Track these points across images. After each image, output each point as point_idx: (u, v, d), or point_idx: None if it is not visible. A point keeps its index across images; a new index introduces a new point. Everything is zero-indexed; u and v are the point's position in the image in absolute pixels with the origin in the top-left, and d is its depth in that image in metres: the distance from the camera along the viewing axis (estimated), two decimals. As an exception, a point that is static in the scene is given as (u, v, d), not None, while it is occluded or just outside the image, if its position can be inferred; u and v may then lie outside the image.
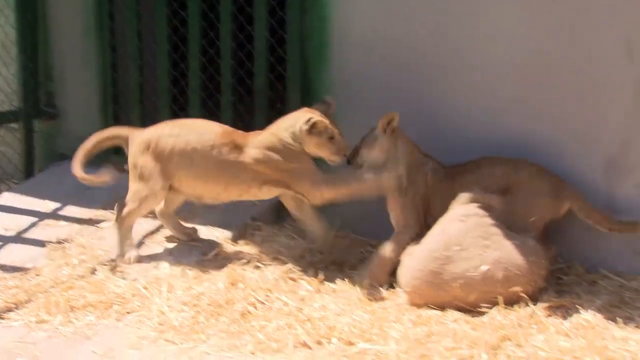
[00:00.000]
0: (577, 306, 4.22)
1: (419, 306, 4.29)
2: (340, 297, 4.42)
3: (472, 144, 4.86)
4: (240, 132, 4.87)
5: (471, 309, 4.19)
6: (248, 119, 5.88)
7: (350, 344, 3.99)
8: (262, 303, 4.34)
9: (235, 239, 5.11)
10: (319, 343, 4.03)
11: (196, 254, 4.97)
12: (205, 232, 5.18)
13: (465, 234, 4.28)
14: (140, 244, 5.09)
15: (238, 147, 4.74)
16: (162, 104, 5.96)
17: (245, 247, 5.05)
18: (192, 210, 5.27)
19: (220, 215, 5.27)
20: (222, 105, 5.78)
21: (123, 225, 4.85)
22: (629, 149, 4.58)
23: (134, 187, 4.84)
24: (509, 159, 4.60)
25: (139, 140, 4.86)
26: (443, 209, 4.46)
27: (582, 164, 4.66)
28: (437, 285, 4.24)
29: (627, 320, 4.14)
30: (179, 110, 6.09)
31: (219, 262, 4.83)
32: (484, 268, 4.20)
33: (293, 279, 4.57)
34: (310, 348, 4.00)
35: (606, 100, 4.59)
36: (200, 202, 4.96)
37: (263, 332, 4.13)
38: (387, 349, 3.91)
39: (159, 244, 5.11)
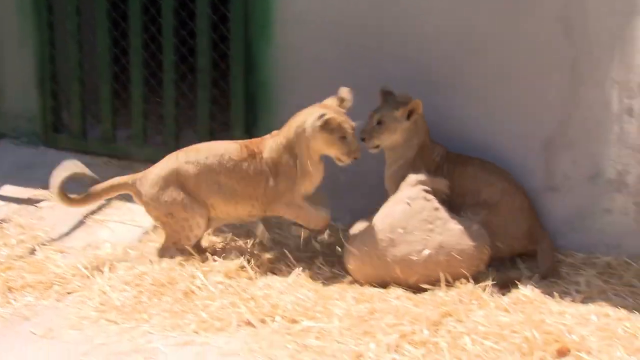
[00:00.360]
0: (517, 282, 4.30)
1: (362, 284, 4.33)
2: (284, 277, 4.43)
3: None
4: (255, 139, 4.67)
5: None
6: (191, 97, 5.83)
7: (294, 321, 4.01)
8: (205, 284, 4.32)
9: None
10: (263, 321, 4.03)
11: (137, 233, 4.91)
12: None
13: (411, 217, 4.32)
14: (81, 223, 5.02)
15: (255, 156, 4.56)
16: (102, 81, 5.86)
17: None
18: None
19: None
20: (165, 83, 5.71)
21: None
22: (567, 127, 4.67)
23: (171, 229, 4.55)
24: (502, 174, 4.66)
25: (151, 182, 4.55)
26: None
27: (521, 143, 4.74)
28: (379, 267, 4.28)
29: (564, 294, 4.25)
30: (120, 89, 5.99)
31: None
32: (426, 252, 4.25)
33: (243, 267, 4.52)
34: (254, 326, 4.01)
35: (544, 79, 4.66)
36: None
37: (206, 311, 4.12)
38: (330, 326, 3.94)
39: (100, 224, 5.04)
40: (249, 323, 4.03)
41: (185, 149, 4.65)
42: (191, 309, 4.13)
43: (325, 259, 4.60)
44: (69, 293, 4.29)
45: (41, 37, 5.92)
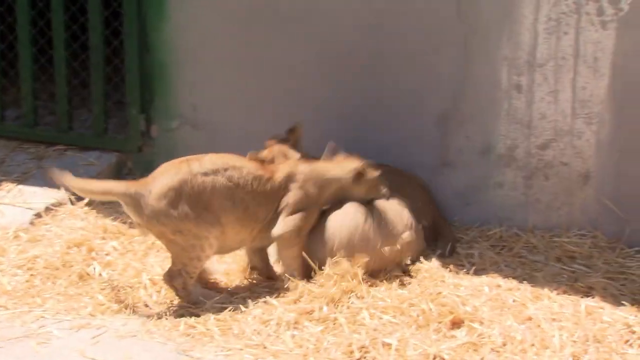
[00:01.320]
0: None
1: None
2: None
3: (305, 99, 4.92)
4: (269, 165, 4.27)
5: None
6: (84, 75, 5.67)
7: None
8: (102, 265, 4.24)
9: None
10: (161, 304, 4.00)
11: (29, 216, 4.77)
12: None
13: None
14: (-30, 207, 4.84)
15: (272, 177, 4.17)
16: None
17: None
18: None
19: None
20: (56, 61, 5.52)
21: (189, 296, 4.02)
22: (460, 103, 4.77)
23: (179, 248, 3.97)
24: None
25: (159, 194, 3.92)
26: None
27: (416, 119, 4.82)
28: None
29: (459, 267, 4.36)
30: (8, 67, 5.77)
31: (57, 224, 4.68)
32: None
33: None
34: (151, 308, 3.97)
35: (438, 55, 4.75)
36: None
37: (103, 293, 4.04)
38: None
39: (-12, 206, 4.88)
40: (146, 306, 3.98)
41: (195, 157, 4.09)
42: (87, 292, 4.05)
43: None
44: (-44, 279, 4.14)
45: None
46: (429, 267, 4.29)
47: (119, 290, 4.06)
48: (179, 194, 3.91)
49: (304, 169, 4.23)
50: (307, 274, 4.15)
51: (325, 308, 3.86)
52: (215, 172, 4.00)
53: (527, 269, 4.37)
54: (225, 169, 4.02)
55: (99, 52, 5.41)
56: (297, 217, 4.13)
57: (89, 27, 5.41)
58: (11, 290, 4.02)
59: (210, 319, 3.83)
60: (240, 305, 3.91)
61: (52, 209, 4.82)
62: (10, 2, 5.63)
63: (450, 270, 4.30)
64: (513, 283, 4.19)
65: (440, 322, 3.78)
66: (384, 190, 4.34)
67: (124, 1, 5.27)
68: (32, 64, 5.56)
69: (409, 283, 4.13)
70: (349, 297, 3.95)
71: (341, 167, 4.30)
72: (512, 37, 4.60)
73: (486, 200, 4.80)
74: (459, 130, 4.79)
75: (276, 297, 3.98)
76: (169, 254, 4.04)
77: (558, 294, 4.08)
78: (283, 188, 4.14)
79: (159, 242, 4.20)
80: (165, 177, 3.95)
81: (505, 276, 4.26)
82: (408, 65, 4.79)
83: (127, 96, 5.39)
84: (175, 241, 3.94)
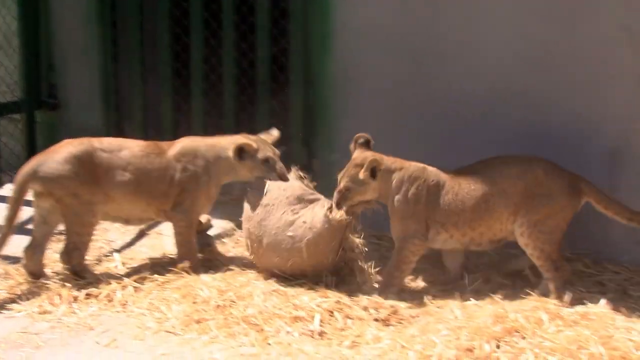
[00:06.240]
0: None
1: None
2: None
3: (473, 129, 4.88)
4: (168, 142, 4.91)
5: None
6: (251, 109, 5.86)
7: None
8: None
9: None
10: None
11: None
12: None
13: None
14: None
15: (163, 154, 4.80)
16: (164, 92, 5.96)
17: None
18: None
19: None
20: (225, 95, 5.76)
21: (86, 272, 4.66)
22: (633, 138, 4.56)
23: (72, 212, 4.61)
24: (521, 157, 4.51)
25: (62, 159, 4.58)
26: (455, 209, 4.43)
27: (585, 154, 4.65)
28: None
29: (631, 311, 4.17)
30: (182, 101, 6.08)
31: None
32: None
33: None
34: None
35: (609, 88, 4.56)
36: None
37: None
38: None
39: None
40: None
41: (96, 138, 4.76)
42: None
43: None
44: None
45: (105, 51, 6.05)
46: (598, 310, 4.11)
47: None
48: (80, 162, 4.57)
49: (193, 145, 4.68)
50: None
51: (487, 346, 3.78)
52: (111, 151, 4.65)
53: None
54: (120, 150, 4.66)
55: (265, 87, 5.60)
56: (182, 197, 4.65)
57: (257, 62, 5.62)
58: None
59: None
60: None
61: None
62: (185, 40, 5.92)
63: (621, 313, 4.10)
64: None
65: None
66: (275, 170, 4.57)
67: (292, 38, 5.43)
68: (203, 98, 5.84)
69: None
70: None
71: (227, 142, 4.63)
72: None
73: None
74: (631, 167, 4.58)
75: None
76: None
77: None
78: (173, 165, 4.66)
79: None
80: (69, 147, 4.62)
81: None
82: (578, 102, 4.64)
83: (291, 129, 5.52)
84: (71, 205, 4.54)
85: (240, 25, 5.73)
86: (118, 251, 5.08)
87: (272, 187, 4.60)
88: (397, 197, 4.48)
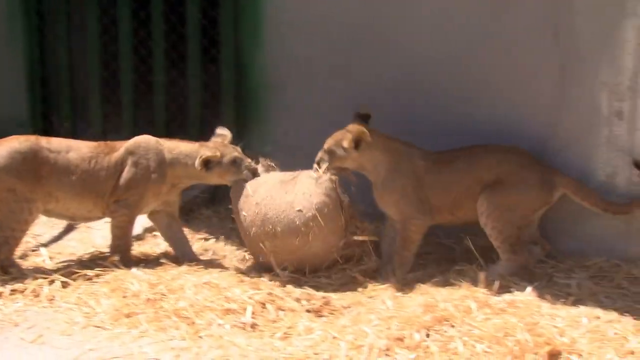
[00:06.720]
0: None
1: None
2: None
3: (402, 121, 4.91)
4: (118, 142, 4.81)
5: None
6: (182, 101, 5.81)
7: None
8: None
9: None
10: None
11: None
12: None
13: None
14: None
15: (110, 154, 4.73)
16: (92, 86, 5.85)
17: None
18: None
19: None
20: (155, 87, 5.69)
21: (14, 266, 4.58)
22: (558, 130, 4.66)
23: (7, 209, 4.50)
24: (501, 147, 4.60)
25: (5, 153, 4.49)
26: (437, 193, 4.53)
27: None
28: None
29: (556, 298, 4.25)
30: (111, 95, 5.98)
31: None
32: None
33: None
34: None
35: (535, 82, 4.66)
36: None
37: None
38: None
39: None
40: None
41: (45, 137, 4.69)
42: None
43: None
44: None
45: (30, 41, 5.91)
46: (524, 298, 4.20)
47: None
48: (22, 158, 4.47)
49: (148, 142, 4.65)
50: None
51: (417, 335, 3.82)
52: (58, 151, 4.57)
53: (628, 301, 4.23)
54: (68, 151, 4.58)
55: (196, 79, 5.55)
56: (129, 192, 4.59)
57: (187, 54, 5.56)
58: None
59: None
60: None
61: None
62: (114, 31, 5.83)
63: (546, 301, 4.19)
64: (613, 315, 4.06)
65: (536, 353, 3.68)
66: (247, 170, 4.62)
67: (221, 29, 5.40)
68: (132, 90, 5.75)
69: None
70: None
71: (187, 148, 4.64)
72: (613, 62, 4.49)
73: (585, 230, 4.67)
74: (556, 158, 4.69)
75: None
76: None
77: (663, 328, 3.94)
78: (124, 159, 4.61)
79: None
80: (14, 142, 4.53)
81: (605, 308, 4.13)
82: (504, 93, 4.73)
83: (223, 122, 5.49)
84: (6, 200, 4.45)
85: (169, 15, 5.67)
86: (45, 245, 4.98)
87: (254, 186, 4.62)
88: (388, 178, 4.56)
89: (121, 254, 4.63)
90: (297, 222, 4.51)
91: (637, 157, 4.50)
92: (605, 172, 4.60)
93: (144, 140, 4.70)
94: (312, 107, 5.17)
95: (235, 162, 4.65)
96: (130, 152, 4.64)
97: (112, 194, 4.62)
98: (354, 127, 4.55)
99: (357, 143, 4.52)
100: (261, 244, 4.57)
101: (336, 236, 4.58)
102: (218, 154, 4.61)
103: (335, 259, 4.59)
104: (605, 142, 4.58)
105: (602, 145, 4.59)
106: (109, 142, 4.75)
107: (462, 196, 4.55)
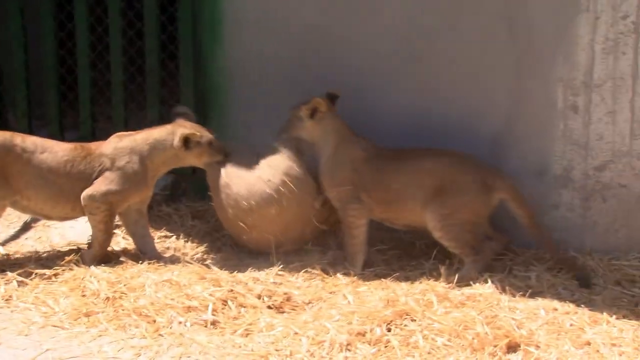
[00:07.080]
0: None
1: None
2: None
3: (362, 118, 4.90)
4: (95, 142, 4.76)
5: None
6: (141, 98, 5.76)
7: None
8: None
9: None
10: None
11: None
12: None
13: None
14: None
15: (89, 155, 4.67)
16: (49, 84, 5.76)
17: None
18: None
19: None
20: (113, 84, 5.63)
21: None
22: (514, 124, 4.72)
23: None
24: (443, 152, 4.60)
25: None
26: (374, 185, 4.57)
27: (469, 140, 4.78)
28: None
29: (515, 290, 4.31)
30: (68, 91, 5.90)
31: None
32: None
33: None
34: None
35: (490, 76, 4.71)
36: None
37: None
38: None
39: None
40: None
41: (22, 134, 4.60)
42: None
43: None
44: None
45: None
46: (484, 291, 4.24)
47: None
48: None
49: (125, 142, 4.57)
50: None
51: (378, 330, 3.85)
52: (32, 152, 4.46)
53: (585, 292, 4.29)
54: (42, 152, 4.47)
55: (154, 75, 5.51)
56: (108, 181, 4.50)
57: (145, 50, 5.52)
58: None
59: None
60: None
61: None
62: (70, 27, 5.76)
63: (505, 293, 4.24)
64: (570, 307, 4.13)
65: (495, 346, 3.72)
66: (221, 154, 4.65)
67: (180, 26, 5.36)
68: (90, 87, 5.68)
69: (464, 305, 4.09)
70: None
71: (160, 133, 4.59)
72: (568, 58, 4.55)
73: (542, 222, 4.72)
74: (513, 152, 4.74)
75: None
76: None
77: (617, 318, 4.01)
78: (99, 164, 4.54)
79: None
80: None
81: (563, 299, 4.20)
82: (461, 89, 4.77)
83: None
84: None
85: (127, 11, 5.61)
86: (2, 244, 4.91)
87: (229, 171, 4.68)
88: (330, 159, 4.64)
89: (99, 251, 4.56)
90: (269, 191, 4.60)
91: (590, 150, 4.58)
92: (561, 165, 4.67)
93: (123, 141, 4.61)
94: (271, 104, 5.15)
95: (211, 144, 4.65)
96: (110, 157, 4.57)
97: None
98: (314, 98, 4.64)
99: (313, 112, 4.63)
100: (240, 223, 4.64)
101: (310, 196, 4.69)
102: (197, 133, 4.59)
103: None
104: (561, 136, 4.65)
105: (558, 139, 4.66)
106: (84, 144, 4.66)
107: (401, 196, 4.54)
